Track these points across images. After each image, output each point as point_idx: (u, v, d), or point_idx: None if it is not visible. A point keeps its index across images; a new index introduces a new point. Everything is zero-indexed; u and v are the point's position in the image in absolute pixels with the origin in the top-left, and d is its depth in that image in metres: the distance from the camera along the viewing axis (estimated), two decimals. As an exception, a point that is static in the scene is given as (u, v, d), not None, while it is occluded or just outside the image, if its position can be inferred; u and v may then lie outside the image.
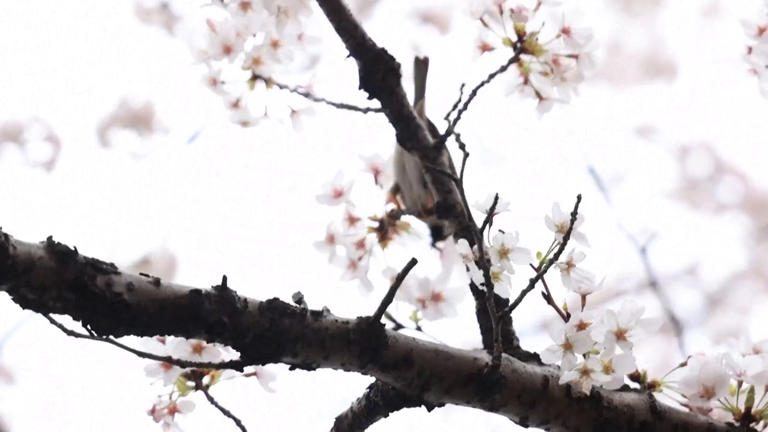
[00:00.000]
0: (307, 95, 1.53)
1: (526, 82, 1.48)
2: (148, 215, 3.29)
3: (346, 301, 1.49)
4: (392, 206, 1.49)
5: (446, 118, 1.42)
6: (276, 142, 3.04)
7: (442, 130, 1.44)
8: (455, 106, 1.43)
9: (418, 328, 1.43)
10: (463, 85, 1.43)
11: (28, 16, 3.34)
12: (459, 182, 1.17)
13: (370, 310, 1.23)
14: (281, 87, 1.53)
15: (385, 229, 1.48)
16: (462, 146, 1.20)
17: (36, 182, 3.05)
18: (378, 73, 1.44)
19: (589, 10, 3.82)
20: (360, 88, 1.46)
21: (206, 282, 1.17)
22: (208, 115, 3.09)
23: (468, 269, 1.22)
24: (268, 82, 1.52)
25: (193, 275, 3.21)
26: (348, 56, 1.45)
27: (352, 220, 1.48)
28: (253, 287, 1.24)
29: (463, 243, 1.20)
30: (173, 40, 3.32)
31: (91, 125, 3.18)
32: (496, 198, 1.17)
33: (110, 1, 3.44)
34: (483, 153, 3.59)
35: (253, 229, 3.33)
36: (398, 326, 1.43)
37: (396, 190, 1.53)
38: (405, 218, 1.49)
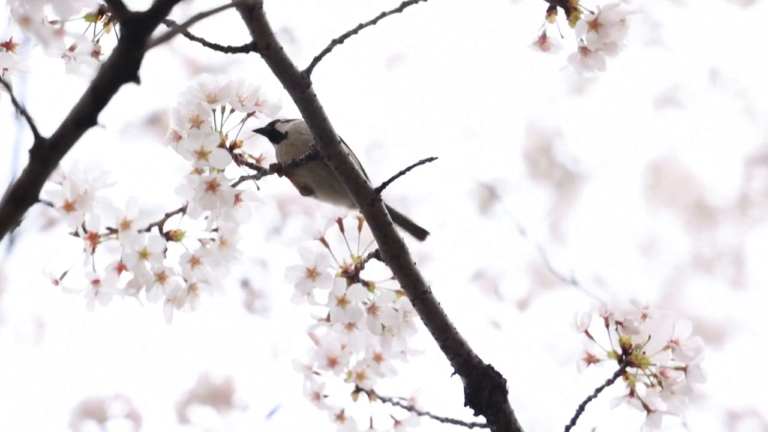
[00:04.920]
0: (410, 408, 1.52)
1: (632, 394, 1.46)
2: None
3: None
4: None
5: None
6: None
7: None
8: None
9: None
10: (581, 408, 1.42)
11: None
12: None
13: None
14: (384, 400, 1.52)
15: None
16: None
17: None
18: (485, 390, 1.44)
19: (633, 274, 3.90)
20: (465, 405, 1.44)
21: None
22: (287, 390, 3.08)
23: None
24: (371, 395, 1.52)
25: None
26: (453, 374, 1.44)
27: None
28: None
29: None
30: (252, 318, 3.35)
31: (171, 402, 3.18)
32: None
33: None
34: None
35: None
36: None
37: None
38: None
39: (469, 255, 3.69)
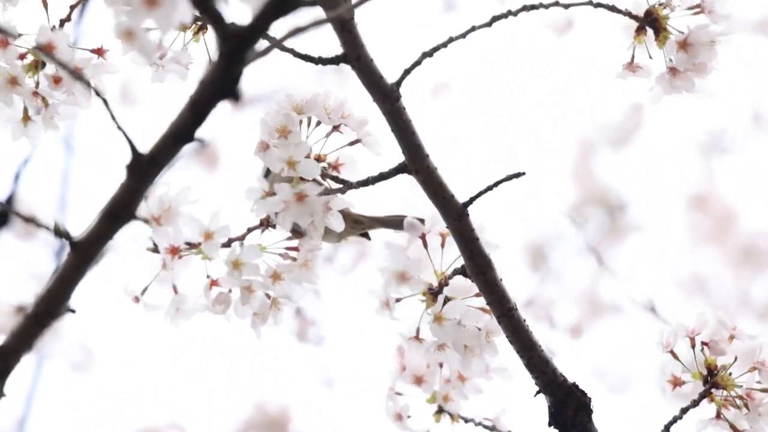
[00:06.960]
0: (493, 428, 1.50)
1: (718, 416, 1.44)
2: None
3: None
4: None
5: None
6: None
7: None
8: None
9: None
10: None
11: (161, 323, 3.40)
12: None
13: None
14: (467, 420, 1.50)
15: None
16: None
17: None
18: (569, 409, 1.42)
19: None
20: (550, 425, 1.43)
21: None
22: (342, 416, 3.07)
23: None
24: (453, 416, 1.51)
25: None
26: (537, 393, 1.42)
27: None
28: None
29: None
30: (305, 346, 3.34)
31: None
32: None
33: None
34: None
35: None
36: None
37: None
38: None
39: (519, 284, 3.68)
